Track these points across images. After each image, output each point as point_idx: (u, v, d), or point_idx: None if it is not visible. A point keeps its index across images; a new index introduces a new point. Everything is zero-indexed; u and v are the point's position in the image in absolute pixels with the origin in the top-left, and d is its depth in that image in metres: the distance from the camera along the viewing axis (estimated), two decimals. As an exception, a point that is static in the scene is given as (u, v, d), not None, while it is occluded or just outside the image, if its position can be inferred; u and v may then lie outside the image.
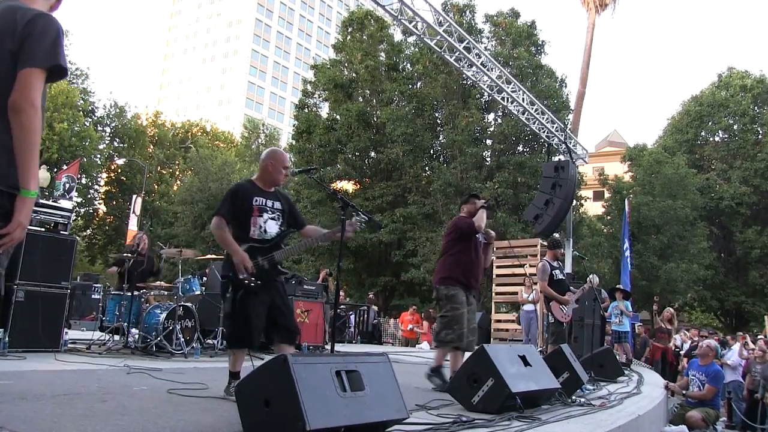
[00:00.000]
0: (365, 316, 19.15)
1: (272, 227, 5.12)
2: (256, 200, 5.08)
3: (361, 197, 30.85)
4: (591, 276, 14.02)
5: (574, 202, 27.04)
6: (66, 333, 8.10)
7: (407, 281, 29.84)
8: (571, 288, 10.09)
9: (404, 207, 29.93)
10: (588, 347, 10.72)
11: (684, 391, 10.50)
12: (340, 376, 3.51)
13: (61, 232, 7.83)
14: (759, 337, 19.75)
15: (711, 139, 41.12)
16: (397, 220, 29.35)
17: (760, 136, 38.99)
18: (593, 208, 39.08)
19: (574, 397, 6.39)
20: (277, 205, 5.22)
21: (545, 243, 18.71)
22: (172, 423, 3.82)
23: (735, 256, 37.88)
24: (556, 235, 12.60)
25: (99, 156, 40.08)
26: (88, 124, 37.04)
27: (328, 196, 30.52)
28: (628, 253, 19.85)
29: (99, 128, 41.22)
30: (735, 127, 39.52)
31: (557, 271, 9.67)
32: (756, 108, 39.42)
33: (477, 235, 7.23)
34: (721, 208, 37.11)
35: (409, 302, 32.62)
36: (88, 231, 44.20)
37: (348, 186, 33.51)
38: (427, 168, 31.92)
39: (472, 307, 7.11)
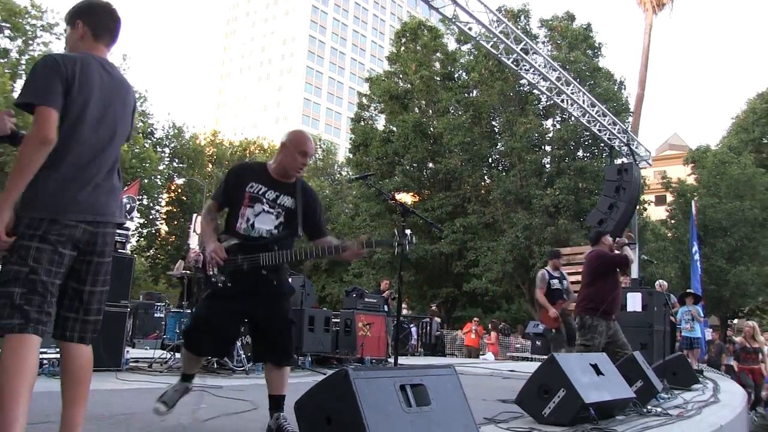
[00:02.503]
0: (428, 327, 18.98)
1: (264, 224, 4.07)
2: (252, 187, 4.08)
3: (421, 208, 30.79)
4: (659, 281, 13.57)
5: (638, 206, 26.48)
6: (128, 352, 8.11)
7: (469, 292, 29.60)
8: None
9: (464, 217, 29.76)
10: (659, 354, 10.33)
11: None
12: (404, 391, 3.37)
13: (119, 251, 7.89)
14: None
15: None
16: (458, 231, 29.20)
17: None
18: (656, 213, 38.24)
19: (649, 407, 6.14)
20: (285, 200, 4.13)
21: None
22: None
23: None
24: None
25: (159, 176, 40.95)
26: (147, 146, 37.88)
27: (387, 208, 30.54)
28: (697, 257, 19.22)
29: (158, 149, 42.10)
30: None
31: (555, 281, 10.05)
32: None
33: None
34: None
35: (471, 313, 32.36)
36: (150, 251, 45.14)
37: (407, 198, 33.48)
38: (486, 177, 31.71)
39: (616, 328, 7.81)
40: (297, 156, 4.09)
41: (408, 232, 4.04)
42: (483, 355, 19.77)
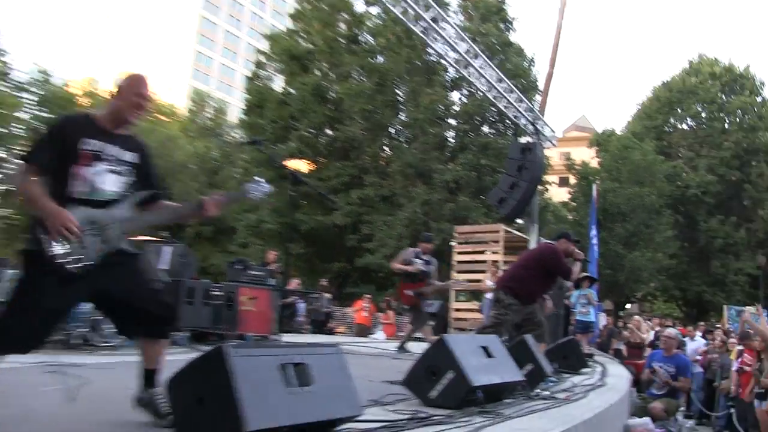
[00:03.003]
0: (317, 303, 19.00)
1: (109, 185, 3.68)
2: (86, 143, 3.62)
3: (316, 177, 30.59)
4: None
5: (540, 187, 27.21)
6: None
7: (362, 267, 29.77)
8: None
9: (361, 189, 29.81)
10: (552, 338, 10.71)
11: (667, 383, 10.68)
12: (285, 370, 3.34)
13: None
14: (717, 326, 20.71)
15: (680, 126, 42.35)
16: (353, 203, 29.22)
17: (726, 125, 40.08)
18: (558, 194, 39.45)
19: (537, 390, 6.35)
20: (127, 156, 3.78)
21: (509, 228, 18.77)
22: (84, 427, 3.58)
23: (698, 245, 39.02)
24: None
25: (20, 126, 38.46)
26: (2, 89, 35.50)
27: (281, 175, 30.20)
28: (595, 241, 20.04)
29: (20, 96, 39.23)
30: (703, 114, 40.80)
31: (420, 262, 11.06)
32: (723, 96, 40.55)
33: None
34: (687, 196, 38.28)
35: (364, 290, 32.60)
36: (8, 211, 42.57)
37: (301, 165, 33.19)
38: (386, 148, 31.80)
39: (531, 308, 8.29)
40: (133, 98, 3.74)
41: (261, 179, 3.96)
42: (373, 334, 19.97)
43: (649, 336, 16.35)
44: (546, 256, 8.32)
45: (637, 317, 17.38)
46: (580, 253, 8.56)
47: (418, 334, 11.97)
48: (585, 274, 15.82)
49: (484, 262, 17.56)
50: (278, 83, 34.42)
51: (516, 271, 8.34)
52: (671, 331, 11.86)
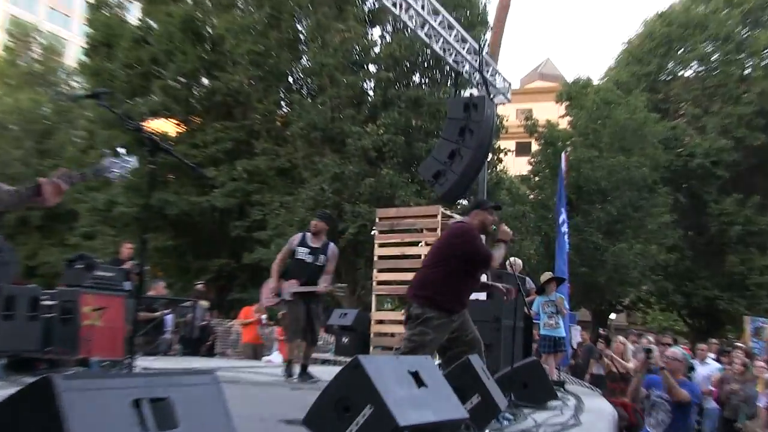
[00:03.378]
0: (190, 315, 18.87)
1: None
2: None
3: (187, 143, 30.29)
4: (512, 259, 14.22)
5: (491, 155, 27.47)
6: None
7: (252, 265, 29.62)
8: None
9: (249, 158, 29.73)
10: (507, 358, 10.88)
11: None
12: (140, 408, 3.29)
13: None
14: (736, 344, 20.27)
15: (681, 73, 41.75)
16: (239, 178, 29.07)
17: (748, 71, 39.01)
18: (515, 166, 39.75)
19: (487, 431, 6.41)
20: None
21: (450, 212, 18.93)
22: None
23: (707, 234, 38.52)
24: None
25: None
26: None
27: (138, 140, 29.71)
28: (564, 228, 20.32)
29: None
30: (715, 56, 39.57)
31: (304, 251, 11.48)
32: (746, 30, 39.49)
33: None
34: (691, 168, 37.60)
35: (255, 296, 32.44)
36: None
37: (167, 127, 32.82)
38: (283, 104, 31.66)
39: (463, 319, 8.25)
40: None
41: (122, 150, 3.92)
42: (268, 355, 19.92)
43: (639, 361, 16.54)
44: (454, 240, 8.21)
45: (620, 339, 17.43)
46: (506, 229, 8.44)
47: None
48: (549, 274, 16.11)
49: (416, 257, 17.71)
50: (134, 13, 33.81)
51: (425, 273, 8.24)
52: (676, 352, 11.56)
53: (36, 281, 27.64)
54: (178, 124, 32.89)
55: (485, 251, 8.08)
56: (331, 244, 11.65)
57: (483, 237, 8.45)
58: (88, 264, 12.26)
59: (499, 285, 9.08)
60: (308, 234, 11.64)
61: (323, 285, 11.31)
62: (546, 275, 15.31)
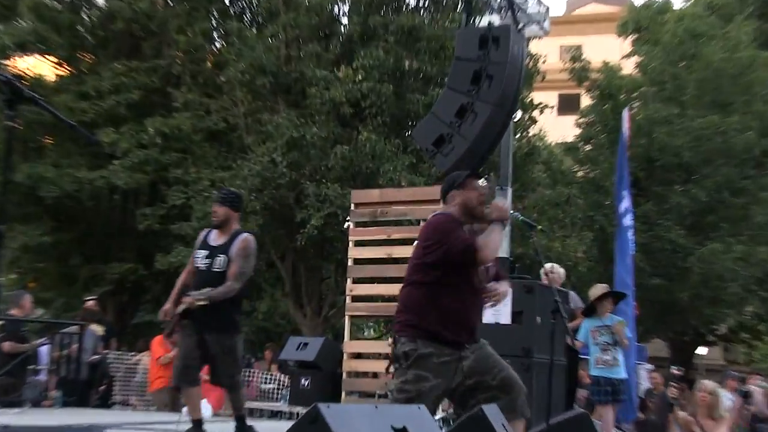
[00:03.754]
0: (75, 346, 18.81)
1: None
2: None
3: (73, 91, 30.17)
4: (548, 266, 14.28)
5: (519, 113, 27.44)
6: None
7: (169, 272, 29.59)
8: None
9: (165, 116, 29.75)
10: (540, 410, 10.91)
11: None
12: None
13: None
14: None
15: None
16: (150, 144, 28.98)
17: None
18: (558, 128, 39.74)
19: None
20: None
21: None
22: None
23: None
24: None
25: None
26: None
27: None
28: (628, 220, 20.17)
29: None
30: None
31: (202, 255, 11.25)
32: None
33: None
34: None
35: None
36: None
37: (43, 68, 32.69)
38: (216, 35, 31.61)
39: (479, 354, 8.13)
40: None
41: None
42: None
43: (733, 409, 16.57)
44: (430, 238, 8.14)
45: (709, 384, 17.23)
46: (499, 204, 8.32)
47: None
48: (605, 287, 16.12)
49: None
50: None
51: (407, 291, 8.26)
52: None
53: None
54: (58, 64, 32.75)
55: (462, 242, 7.87)
56: (241, 236, 11.25)
57: (472, 226, 8.28)
58: None
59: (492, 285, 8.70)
60: (215, 229, 11.40)
61: (189, 299, 10.79)
62: (598, 289, 15.31)
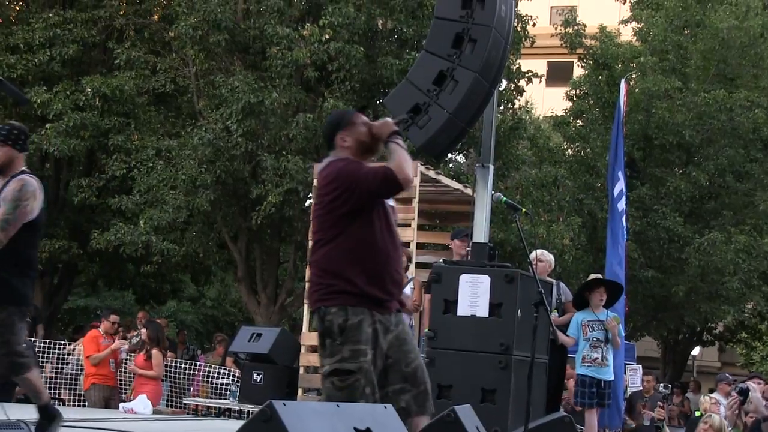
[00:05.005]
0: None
1: None
2: None
3: (1, 43, 30.06)
4: (537, 252, 14.43)
5: (504, 82, 27.47)
6: None
7: (107, 253, 29.58)
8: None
9: (106, 75, 29.71)
10: (519, 413, 11.06)
11: None
12: None
13: None
14: None
15: None
16: (88, 106, 28.90)
17: None
18: (548, 100, 39.84)
19: None
20: None
21: (435, 173, 19.05)
22: None
23: None
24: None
25: None
26: None
27: None
28: (622, 205, 20.22)
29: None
30: None
31: None
32: None
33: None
34: None
35: (111, 304, 32.41)
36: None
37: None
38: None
39: (400, 331, 7.92)
40: None
41: None
42: (128, 401, 20.00)
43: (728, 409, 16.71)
44: (338, 186, 7.88)
45: (713, 420, 16.93)
46: (384, 120, 8.16)
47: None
48: (596, 276, 16.24)
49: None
50: None
51: (323, 253, 7.96)
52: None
53: None
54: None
55: (375, 172, 7.77)
56: (17, 177, 10.26)
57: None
58: None
59: None
60: None
61: None
62: (592, 279, 15.39)
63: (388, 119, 8.05)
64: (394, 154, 7.76)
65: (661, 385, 25.64)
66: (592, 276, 15.53)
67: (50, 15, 30.49)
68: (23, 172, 10.29)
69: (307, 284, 8.32)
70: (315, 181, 18.43)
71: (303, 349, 18.43)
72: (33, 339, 21.30)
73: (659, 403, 20.54)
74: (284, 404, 5.29)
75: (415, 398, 7.70)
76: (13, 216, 9.80)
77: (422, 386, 7.81)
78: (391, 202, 8.11)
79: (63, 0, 31.35)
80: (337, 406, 6.22)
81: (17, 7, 32.07)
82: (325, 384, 7.77)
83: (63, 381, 22.16)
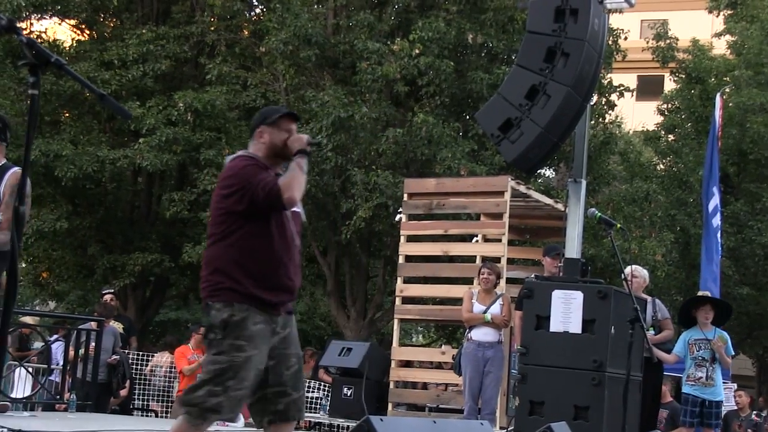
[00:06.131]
0: (93, 345, 18.82)
1: None
2: None
3: (94, 60, 30.25)
4: (630, 269, 14.28)
5: (595, 96, 27.28)
6: None
7: (197, 266, 29.60)
8: None
9: (197, 89, 29.87)
10: (614, 428, 10.95)
11: None
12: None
13: None
14: None
15: None
16: (180, 120, 29.04)
17: None
18: (638, 115, 39.45)
19: None
20: None
21: (525, 188, 18.94)
22: None
23: None
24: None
25: None
26: None
27: (11, 51, 29.70)
28: (717, 221, 20.08)
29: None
30: None
31: None
32: None
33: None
34: None
35: (198, 316, 32.47)
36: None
37: (63, 32, 32.79)
38: (255, 0, 31.59)
39: (286, 334, 7.90)
40: None
41: None
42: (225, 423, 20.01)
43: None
44: (233, 184, 7.89)
45: None
46: (298, 136, 8.00)
47: None
48: (704, 293, 16.07)
49: (468, 260, 17.76)
50: None
51: (213, 251, 8.03)
52: None
53: None
54: (77, 28, 32.85)
55: (264, 184, 7.66)
56: (13, 169, 10.56)
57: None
58: None
59: None
60: None
61: None
62: (697, 296, 15.25)
63: (304, 136, 8.00)
64: (290, 172, 7.79)
65: (755, 412, 25.44)
66: (700, 293, 15.38)
67: (144, 31, 30.75)
68: (11, 164, 10.67)
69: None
70: (405, 196, 18.53)
71: (393, 364, 18.40)
72: (126, 351, 21.39)
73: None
74: (381, 419, 5.28)
75: (293, 403, 7.76)
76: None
77: (301, 391, 7.89)
78: (298, 208, 8.04)
79: (156, 16, 31.57)
80: (434, 422, 6.17)
81: (112, 24, 32.29)
82: (204, 369, 7.83)
83: (154, 393, 22.22)
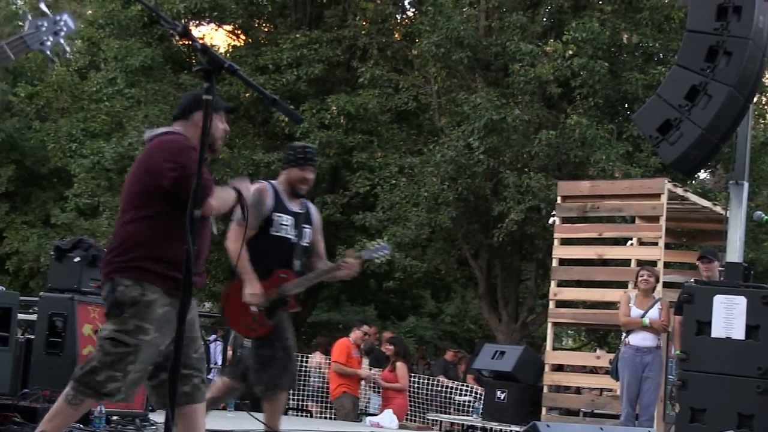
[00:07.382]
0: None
1: None
2: None
3: (249, 64, 30.47)
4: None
5: (757, 96, 26.86)
6: None
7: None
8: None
9: (350, 93, 29.94)
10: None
11: None
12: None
13: None
14: None
15: None
16: (333, 124, 29.13)
17: None
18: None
19: None
20: None
21: (682, 191, 18.63)
22: None
23: None
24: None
25: None
26: None
27: (172, 57, 30.03)
28: None
29: None
30: None
31: (287, 221, 10.54)
32: None
33: None
34: None
35: (350, 315, 32.59)
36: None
37: (218, 37, 33.14)
38: (407, 3, 31.73)
39: (191, 317, 7.48)
40: None
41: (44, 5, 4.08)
42: (372, 414, 19.98)
43: None
44: (169, 159, 7.70)
45: None
46: (242, 181, 8.23)
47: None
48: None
49: (623, 263, 17.51)
50: None
51: (131, 227, 7.85)
52: None
53: (2, 281, 28.11)
54: (233, 33, 33.13)
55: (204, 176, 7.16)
56: (311, 205, 11.04)
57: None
58: (89, 255, 12.32)
59: None
60: (279, 188, 10.73)
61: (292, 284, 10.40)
62: None
63: (248, 184, 8.48)
64: (224, 191, 7.99)
65: None
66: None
67: (297, 36, 30.93)
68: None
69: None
70: (558, 198, 18.36)
71: (547, 368, 18.28)
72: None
73: None
74: (548, 425, 5.18)
75: (199, 385, 7.73)
76: None
77: (204, 374, 7.93)
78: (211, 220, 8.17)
79: (309, 21, 31.75)
80: (601, 429, 6.07)
81: (266, 29, 32.56)
82: (98, 343, 7.70)
83: (309, 393, 22.32)
